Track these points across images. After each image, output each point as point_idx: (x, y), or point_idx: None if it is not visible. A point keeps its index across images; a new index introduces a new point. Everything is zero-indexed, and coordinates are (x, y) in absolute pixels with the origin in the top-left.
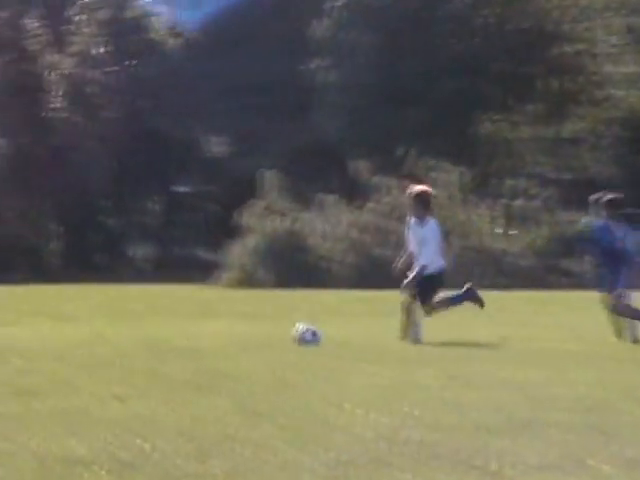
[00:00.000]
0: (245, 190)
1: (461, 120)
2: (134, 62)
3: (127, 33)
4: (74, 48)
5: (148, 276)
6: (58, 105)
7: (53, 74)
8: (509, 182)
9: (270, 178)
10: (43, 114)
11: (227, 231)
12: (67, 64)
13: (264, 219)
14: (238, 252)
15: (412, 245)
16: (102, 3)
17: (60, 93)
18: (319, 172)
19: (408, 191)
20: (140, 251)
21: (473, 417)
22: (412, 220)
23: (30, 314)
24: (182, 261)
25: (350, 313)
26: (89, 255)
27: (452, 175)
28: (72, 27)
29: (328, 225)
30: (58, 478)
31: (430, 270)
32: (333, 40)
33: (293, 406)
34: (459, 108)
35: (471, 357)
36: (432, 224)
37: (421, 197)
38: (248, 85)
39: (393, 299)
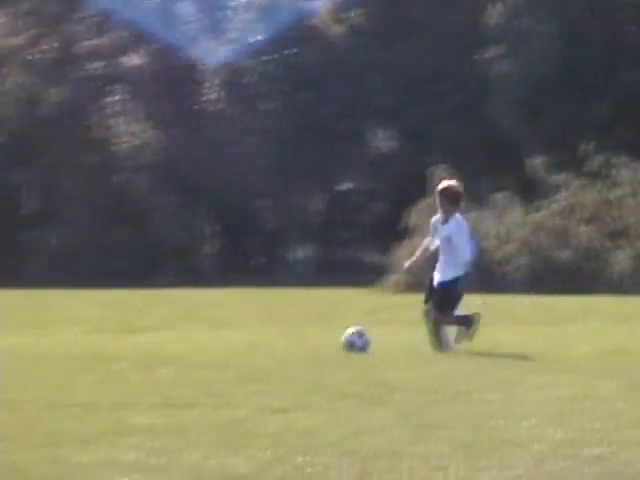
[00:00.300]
0: (414, 188)
1: None
2: (295, 50)
3: (287, 19)
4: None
5: (309, 279)
6: (213, 97)
7: (208, 63)
8: None
9: (440, 175)
10: (197, 106)
11: (394, 232)
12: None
13: None
14: (406, 254)
15: (435, 243)
16: None
17: (215, 84)
18: (493, 169)
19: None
20: (300, 253)
21: None
22: (438, 217)
23: (181, 319)
24: (345, 264)
25: (524, 320)
26: (246, 257)
27: (637, 172)
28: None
29: (502, 226)
30: None
31: (455, 274)
32: (508, 28)
33: (464, 419)
34: None
35: None
36: (458, 219)
37: (447, 192)
38: (417, 75)
39: (570, 305)
